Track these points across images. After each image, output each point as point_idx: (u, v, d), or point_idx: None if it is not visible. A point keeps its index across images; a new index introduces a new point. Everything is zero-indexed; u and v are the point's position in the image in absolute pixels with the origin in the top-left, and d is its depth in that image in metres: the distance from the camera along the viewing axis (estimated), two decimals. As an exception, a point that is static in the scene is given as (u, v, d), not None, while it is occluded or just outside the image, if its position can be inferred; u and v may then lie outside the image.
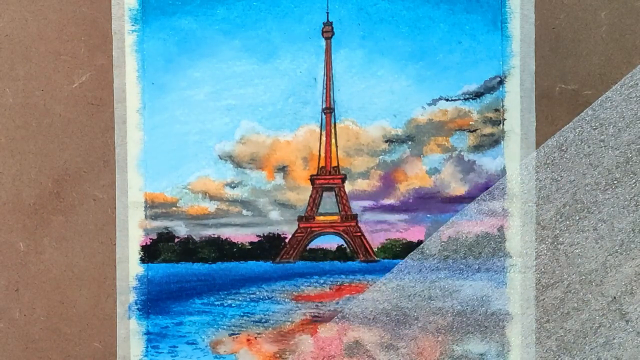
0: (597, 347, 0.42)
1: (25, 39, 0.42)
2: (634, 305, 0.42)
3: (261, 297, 0.43)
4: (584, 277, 0.42)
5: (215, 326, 0.43)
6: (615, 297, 0.42)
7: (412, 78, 0.43)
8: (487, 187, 0.43)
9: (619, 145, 0.41)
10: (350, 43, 0.43)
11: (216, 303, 0.43)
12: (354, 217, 0.43)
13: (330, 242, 0.43)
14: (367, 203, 0.43)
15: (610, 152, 0.41)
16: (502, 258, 0.43)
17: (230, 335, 0.43)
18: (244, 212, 0.43)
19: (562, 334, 0.42)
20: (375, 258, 0.43)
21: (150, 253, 0.43)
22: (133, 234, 0.42)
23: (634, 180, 0.41)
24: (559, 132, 0.42)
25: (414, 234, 0.43)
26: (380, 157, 0.43)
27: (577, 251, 0.42)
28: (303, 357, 0.43)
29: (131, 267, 0.42)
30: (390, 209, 0.43)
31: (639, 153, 0.40)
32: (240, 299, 0.43)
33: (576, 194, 0.43)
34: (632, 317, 0.42)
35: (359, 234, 0.43)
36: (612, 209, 0.42)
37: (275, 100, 0.43)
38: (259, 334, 0.43)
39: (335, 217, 0.43)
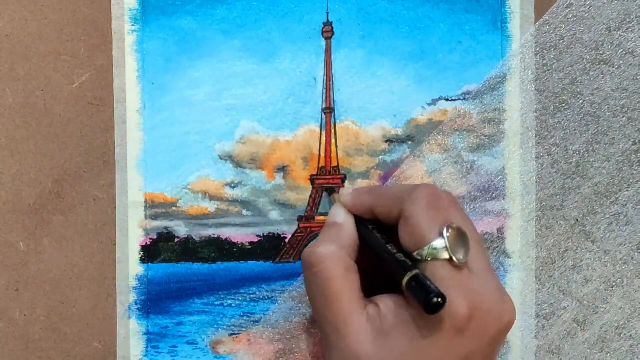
0: (566, 271, 0.43)
1: (25, 39, 0.42)
2: (597, 225, 0.43)
3: (261, 297, 0.43)
4: (544, 204, 0.43)
5: (215, 326, 0.43)
6: (577, 219, 0.43)
7: (412, 78, 0.43)
8: (487, 187, 0.43)
9: (563, 67, 0.41)
10: (350, 43, 0.43)
11: (216, 303, 0.43)
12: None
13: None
14: (367, 203, 0.43)
15: (554, 75, 0.42)
16: (502, 258, 0.43)
17: (230, 335, 0.43)
18: (244, 212, 0.43)
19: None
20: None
21: (150, 253, 0.43)
22: (133, 234, 0.42)
23: (581, 101, 0.42)
24: (501, 62, 0.42)
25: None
26: (380, 157, 0.43)
27: (534, 178, 0.43)
28: (303, 357, 0.43)
29: (131, 267, 0.42)
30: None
31: (584, 73, 0.40)
32: (240, 299, 0.43)
33: (526, 121, 0.43)
34: (597, 236, 0.43)
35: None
36: (563, 132, 0.43)
37: (275, 100, 0.43)
38: (259, 334, 0.43)
39: (335, 217, 0.43)
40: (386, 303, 0.34)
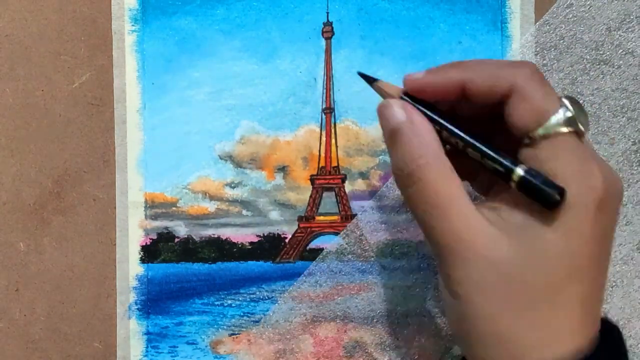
0: None
1: (25, 39, 0.42)
2: None
3: (261, 297, 0.43)
4: None
5: (215, 326, 0.43)
6: None
7: None
8: (487, 187, 0.43)
9: (563, 67, 0.41)
10: (350, 43, 0.43)
11: (216, 303, 0.43)
12: (354, 217, 0.43)
13: (330, 242, 0.43)
14: (367, 203, 0.43)
15: (554, 75, 0.42)
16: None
17: (230, 335, 0.43)
18: (244, 212, 0.43)
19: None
20: (375, 258, 0.43)
21: (150, 253, 0.43)
22: (133, 234, 0.42)
23: (581, 101, 0.42)
24: None
25: (414, 234, 0.43)
26: (380, 157, 0.43)
27: None
28: (303, 357, 0.43)
29: (131, 267, 0.42)
30: (390, 209, 0.43)
31: (583, 73, 0.40)
32: (240, 299, 0.43)
33: None
34: None
35: (359, 234, 0.43)
36: None
37: (275, 100, 0.43)
38: (258, 334, 0.43)
39: (335, 217, 0.43)
40: (497, 200, 0.31)
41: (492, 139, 0.33)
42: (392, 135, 0.32)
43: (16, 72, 0.42)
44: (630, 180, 0.43)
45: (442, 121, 0.32)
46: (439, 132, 0.32)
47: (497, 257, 0.29)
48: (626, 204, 0.43)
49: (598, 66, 0.42)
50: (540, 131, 0.30)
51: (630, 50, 0.43)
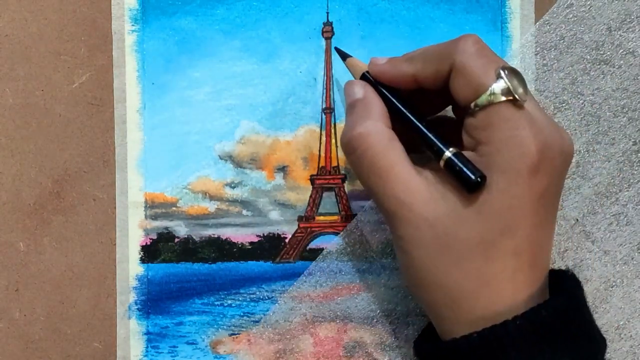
0: None
1: (25, 39, 0.42)
2: (597, 225, 0.43)
3: (261, 297, 0.43)
4: None
5: (215, 326, 0.43)
6: (577, 219, 0.43)
7: None
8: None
9: (563, 67, 0.41)
10: (350, 43, 0.43)
11: (216, 303, 0.43)
12: (354, 217, 0.43)
13: (330, 242, 0.43)
14: (367, 203, 0.43)
15: (554, 75, 0.42)
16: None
17: (230, 335, 0.43)
18: (244, 212, 0.43)
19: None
20: (375, 258, 0.43)
21: (150, 253, 0.43)
22: (133, 234, 0.42)
23: (581, 101, 0.42)
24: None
25: (414, 234, 0.42)
26: (380, 157, 0.43)
27: None
28: (303, 357, 0.43)
29: (131, 267, 0.42)
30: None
31: (584, 73, 0.41)
32: (240, 299, 0.43)
33: None
34: (597, 236, 0.43)
35: (359, 234, 0.43)
36: None
37: (275, 100, 0.43)
38: (258, 334, 0.43)
39: (335, 217, 0.43)
40: (438, 166, 0.34)
41: (454, 110, 0.37)
42: (348, 109, 0.37)
43: (16, 72, 0.42)
44: (631, 180, 0.43)
45: (392, 99, 0.36)
46: (395, 112, 0.36)
47: (433, 217, 0.33)
48: (627, 204, 0.43)
49: (598, 66, 0.42)
50: (477, 102, 0.32)
51: (630, 50, 0.43)
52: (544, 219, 0.33)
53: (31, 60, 0.42)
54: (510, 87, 0.32)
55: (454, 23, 0.43)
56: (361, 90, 0.36)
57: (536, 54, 0.42)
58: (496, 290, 0.32)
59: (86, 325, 0.42)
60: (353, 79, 0.39)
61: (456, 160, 0.32)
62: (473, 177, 0.32)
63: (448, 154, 0.33)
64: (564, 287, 0.34)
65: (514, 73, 0.32)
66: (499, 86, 0.32)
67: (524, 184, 0.31)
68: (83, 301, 0.42)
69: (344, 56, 0.40)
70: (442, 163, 0.33)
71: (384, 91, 0.36)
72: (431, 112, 0.39)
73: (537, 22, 0.43)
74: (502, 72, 0.32)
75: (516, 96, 0.32)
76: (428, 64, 0.35)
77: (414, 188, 0.33)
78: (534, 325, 0.31)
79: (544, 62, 0.43)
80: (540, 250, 0.33)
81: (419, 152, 0.36)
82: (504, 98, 0.32)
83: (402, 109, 0.36)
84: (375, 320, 0.43)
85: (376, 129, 0.34)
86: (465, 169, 0.32)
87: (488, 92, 0.32)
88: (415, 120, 0.35)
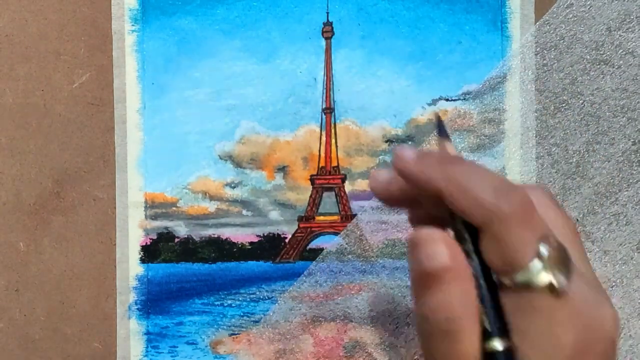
0: None
1: (25, 39, 0.42)
2: (597, 225, 0.43)
3: (261, 297, 0.43)
4: None
5: (215, 326, 0.43)
6: (577, 219, 0.43)
7: (412, 78, 0.43)
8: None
9: (563, 67, 0.41)
10: (350, 43, 0.43)
11: (216, 303, 0.43)
12: (354, 217, 0.43)
13: (330, 242, 0.43)
14: (367, 203, 0.43)
15: (554, 75, 0.42)
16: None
17: (230, 335, 0.43)
18: (244, 212, 0.43)
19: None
20: (375, 258, 0.43)
21: (150, 253, 0.43)
22: (133, 234, 0.42)
23: (581, 101, 0.42)
24: (501, 62, 0.42)
25: (414, 234, 0.42)
26: (380, 157, 0.43)
27: (534, 178, 0.43)
28: (303, 357, 0.43)
29: (131, 267, 0.42)
30: (390, 209, 0.43)
31: (584, 73, 0.41)
32: (240, 299, 0.43)
33: (526, 121, 0.43)
34: (597, 236, 0.43)
35: (359, 234, 0.43)
36: (563, 132, 0.43)
37: (275, 100, 0.43)
38: (258, 334, 0.43)
39: (335, 217, 0.43)
40: None
41: None
42: (426, 279, 0.27)
43: (16, 72, 0.42)
44: (630, 180, 0.43)
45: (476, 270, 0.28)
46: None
47: None
48: (626, 204, 0.43)
49: (598, 66, 0.42)
50: (507, 281, 0.26)
51: (630, 50, 0.43)
52: None
53: (31, 60, 0.42)
54: (551, 272, 0.26)
55: (454, 23, 0.43)
56: (447, 253, 0.27)
57: (536, 54, 0.42)
58: None
59: (86, 325, 0.42)
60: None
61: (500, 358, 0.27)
62: None
63: (497, 346, 0.27)
64: None
65: (560, 251, 0.27)
66: (536, 270, 0.26)
67: None
68: (83, 301, 0.42)
69: (444, 134, 0.31)
70: (486, 346, 0.27)
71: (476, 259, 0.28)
72: None
73: (537, 22, 0.43)
74: (543, 249, 0.26)
75: (556, 284, 0.26)
76: (461, 194, 0.27)
77: None
78: None
79: (544, 62, 0.43)
80: None
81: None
82: (542, 281, 0.26)
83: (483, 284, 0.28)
84: (375, 320, 0.43)
85: (471, 321, 0.27)
86: None
87: (523, 273, 0.26)
88: (486, 295, 0.27)
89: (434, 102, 0.43)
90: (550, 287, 0.26)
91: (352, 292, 0.43)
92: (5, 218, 0.42)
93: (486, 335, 0.27)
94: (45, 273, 0.42)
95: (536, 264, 0.26)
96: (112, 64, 0.42)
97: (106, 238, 0.42)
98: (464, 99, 0.43)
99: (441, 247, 0.27)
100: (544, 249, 0.26)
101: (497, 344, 0.27)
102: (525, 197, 0.27)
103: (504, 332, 0.27)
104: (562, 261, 0.27)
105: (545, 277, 0.26)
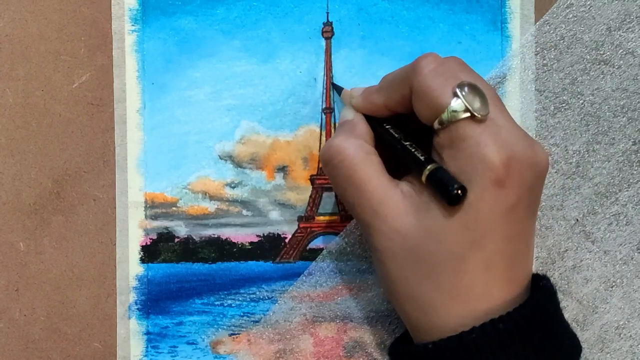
0: (566, 271, 0.43)
1: (25, 39, 0.42)
2: (597, 225, 0.43)
3: (261, 297, 0.43)
4: (544, 203, 0.43)
5: (215, 326, 0.43)
6: (577, 219, 0.43)
7: None
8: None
9: (563, 67, 0.41)
10: (350, 43, 0.43)
11: (216, 303, 0.43)
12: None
13: (330, 242, 0.43)
14: (367, 203, 0.43)
15: (554, 75, 0.42)
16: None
17: (230, 335, 0.43)
18: (244, 212, 0.43)
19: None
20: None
21: (150, 253, 0.43)
22: (133, 234, 0.43)
23: (581, 101, 0.42)
24: (501, 62, 0.43)
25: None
26: (380, 157, 0.43)
27: None
28: (303, 357, 0.43)
29: (131, 267, 0.43)
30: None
31: (584, 73, 0.41)
32: (240, 299, 0.43)
33: (525, 121, 0.43)
34: (597, 236, 0.43)
35: (359, 234, 0.43)
36: (563, 132, 0.43)
37: (275, 100, 0.43)
38: (258, 334, 0.43)
39: (335, 217, 0.43)
40: (417, 181, 0.34)
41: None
42: (337, 129, 0.39)
43: (16, 72, 0.42)
44: (631, 180, 0.43)
45: (379, 122, 0.37)
46: (380, 135, 0.37)
47: (405, 229, 0.33)
48: (626, 204, 0.43)
49: (598, 66, 0.42)
50: (437, 124, 0.33)
51: (630, 50, 0.43)
52: (517, 232, 0.33)
53: (31, 60, 0.42)
54: (467, 105, 0.32)
55: (453, 23, 0.43)
56: (352, 114, 0.38)
57: (536, 54, 0.43)
58: (468, 303, 0.32)
59: (86, 325, 0.42)
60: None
61: (436, 176, 0.33)
62: (453, 188, 0.31)
63: (429, 167, 0.33)
64: (534, 295, 0.34)
65: (472, 88, 0.32)
66: (456, 104, 0.32)
67: (490, 198, 0.31)
68: (83, 301, 0.42)
69: (338, 90, 0.41)
70: (423, 178, 0.33)
71: (370, 116, 0.38)
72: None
73: (537, 22, 0.43)
74: (457, 90, 0.32)
75: (474, 112, 0.32)
76: (393, 91, 0.36)
77: (389, 200, 0.34)
78: (500, 332, 0.31)
79: (544, 62, 0.43)
80: (517, 264, 0.33)
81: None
82: (463, 115, 0.32)
83: (388, 129, 0.37)
84: (375, 321, 0.43)
85: (356, 142, 0.35)
86: (445, 183, 0.32)
87: (447, 112, 0.32)
88: (398, 138, 0.36)
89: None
90: (472, 116, 0.32)
91: (352, 292, 0.43)
92: (5, 218, 0.42)
93: (418, 170, 0.34)
94: (45, 273, 0.42)
95: (456, 101, 0.32)
96: (112, 64, 0.42)
97: (106, 238, 0.42)
98: None
99: (349, 110, 0.39)
100: (459, 90, 0.32)
101: (428, 168, 0.33)
102: (432, 57, 0.34)
103: (430, 161, 0.34)
104: (476, 94, 0.32)
105: (464, 108, 0.32)
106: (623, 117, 0.43)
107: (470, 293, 0.32)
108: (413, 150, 0.35)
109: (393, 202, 0.34)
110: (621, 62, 0.43)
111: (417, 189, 0.34)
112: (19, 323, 0.42)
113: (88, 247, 0.42)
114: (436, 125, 0.33)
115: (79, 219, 0.42)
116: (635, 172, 0.43)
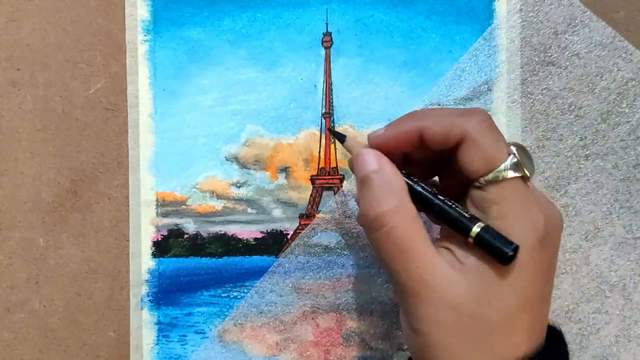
0: None
1: (44, 48, 0.42)
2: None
3: (264, 289, 0.43)
4: None
5: (222, 316, 0.43)
6: None
7: (406, 85, 0.43)
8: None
9: (514, 69, 0.41)
10: (348, 52, 0.43)
11: (223, 295, 0.43)
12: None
13: (330, 239, 0.43)
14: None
15: (506, 76, 0.42)
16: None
17: (236, 325, 0.43)
18: (249, 210, 0.43)
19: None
20: (373, 253, 0.43)
21: (161, 248, 0.43)
22: (145, 230, 0.43)
23: (531, 100, 0.42)
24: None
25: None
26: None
27: None
28: (303, 345, 0.43)
29: (143, 262, 0.43)
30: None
31: (533, 74, 0.40)
32: (246, 291, 0.43)
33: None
34: None
35: (356, 230, 0.43)
36: (515, 130, 0.43)
37: (278, 105, 0.43)
38: (262, 324, 0.43)
39: (335, 215, 0.43)
40: (454, 243, 0.32)
41: (442, 175, 0.35)
42: (362, 182, 0.33)
43: (36, 79, 0.42)
44: (578, 174, 0.43)
45: (409, 181, 0.33)
46: (413, 191, 0.33)
47: (456, 298, 0.31)
48: (575, 196, 0.43)
49: (546, 67, 0.42)
50: (490, 177, 0.31)
51: (576, 52, 0.43)
52: (548, 292, 0.33)
53: (50, 68, 0.42)
54: (522, 164, 0.31)
55: (445, 33, 0.43)
56: (375, 161, 0.33)
57: (488, 57, 0.43)
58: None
59: (101, 315, 0.43)
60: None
61: (487, 236, 0.30)
62: (508, 248, 0.30)
63: (477, 229, 0.31)
64: (557, 340, 0.34)
65: (523, 150, 0.31)
66: (510, 162, 0.31)
67: (537, 257, 0.31)
68: (99, 293, 0.42)
69: (340, 138, 0.36)
70: (471, 239, 0.31)
71: (401, 172, 0.33)
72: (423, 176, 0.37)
73: (489, 27, 0.43)
74: (513, 149, 0.31)
75: (527, 173, 0.31)
76: (440, 124, 0.32)
77: (437, 269, 0.31)
78: None
79: (496, 64, 0.43)
80: (546, 318, 0.33)
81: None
82: (514, 174, 0.31)
83: (422, 190, 0.33)
84: (372, 312, 0.43)
85: (403, 207, 0.32)
86: (497, 243, 0.30)
87: (501, 167, 0.31)
88: (436, 198, 0.33)
89: (426, 107, 0.43)
90: (524, 177, 0.31)
91: (351, 285, 0.43)
92: (25, 216, 0.42)
93: (464, 231, 0.31)
94: (63, 267, 0.42)
95: (511, 159, 0.31)
96: (126, 71, 0.42)
97: (120, 234, 0.43)
98: (455, 104, 0.43)
99: (371, 157, 0.33)
100: (513, 148, 0.31)
101: (476, 228, 0.30)
102: (484, 113, 0.32)
103: (475, 220, 0.31)
104: (528, 157, 0.31)
105: (518, 169, 0.31)
106: (570, 114, 0.43)
107: (515, 353, 0.31)
108: (455, 208, 0.32)
109: (441, 270, 0.31)
110: (567, 63, 0.43)
111: (460, 254, 0.32)
112: (39, 314, 0.42)
113: (103, 243, 0.42)
114: (485, 179, 0.31)
115: (94, 216, 0.42)
116: (582, 166, 0.43)
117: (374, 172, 0.33)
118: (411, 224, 0.32)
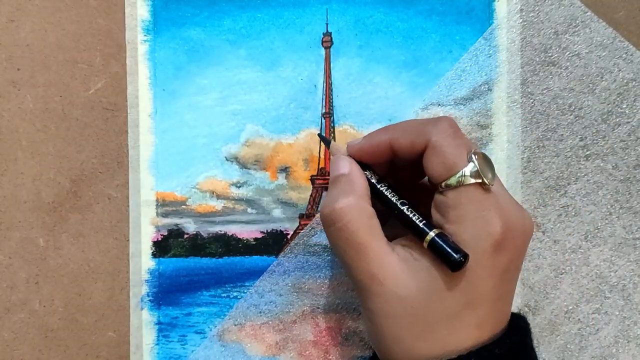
0: None
1: (44, 48, 0.42)
2: (547, 216, 0.43)
3: (264, 289, 0.43)
4: None
5: (222, 316, 0.43)
6: (529, 211, 0.43)
7: (405, 85, 0.43)
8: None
9: (514, 69, 0.41)
10: (348, 52, 0.43)
11: (223, 295, 0.43)
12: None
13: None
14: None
15: (506, 76, 0.42)
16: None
17: (236, 325, 0.43)
18: (249, 210, 0.43)
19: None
20: None
21: (161, 248, 0.43)
22: (145, 230, 0.43)
23: (531, 100, 0.42)
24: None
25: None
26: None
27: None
28: (303, 345, 0.43)
29: (143, 262, 0.43)
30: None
31: (533, 74, 0.40)
32: (245, 291, 0.43)
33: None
34: (547, 227, 0.43)
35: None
36: (515, 129, 0.43)
37: (278, 105, 0.43)
38: (262, 323, 0.43)
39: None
40: (413, 242, 0.34)
41: (428, 180, 0.36)
42: (332, 182, 0.36)
43: (36, 79, 0.42)
44: (578, 174, 0.43)
45: (375, 183, 0.36)
46: (377, 194, 0.36)
47: (404, 293, 0.33)
48: (574, 197, 0.43)
49: (547, 67, 0.43)
50: (448, 182, 0.33)
51: (576, 53, 0.43)
52: (505, 292, 0.34)
53: (50, 68, 0.42)
54: (480, 172, 0.32)
55: (445, 33, 0.43)
56: (347, 166, 0.36)
57: (489, 56, 0.43)
58: (459, 355, 0.33)
59: (101, 315, 0.43)
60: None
61: (439, 241, 0.32)
62: (456, 256, 0.31)
63: (432, 234, 0.33)
64: (514, 330, 0.35)
65: (484, 158, 0.33)
66: (469, 169, 0.32)
67: (488, 261, 0.32)
68: (99, 293, 0.42)
69: (326, 142, 0.40)
70: (425, 244, 0.33)
71: (368, 175, 0.36)
72: (406, 183, 0.39)
73: (489, 27, 0.43)
74: (473, 157, 0.33)
75: (485, 180, 0.32)
76: (405, 134, 0.35)
77: (388, 264, 0.33)
78: (495, 356, 0.33)
79: (497, 63, 0.43)
80: (501, 320, 0.34)
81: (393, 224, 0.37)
82: (473, 180, 0.32)
83: (385, 192, 0.36)
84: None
85: (358, 205, 0.34)
86: (448, 249, 0.32)
87: (459, 174, 0.32)
88: (398, 203, 0.35)
89: (426, 107, 0.43)
90: (482, 183, 0.32)
91: (350, 285, 0.43)
92: (26, 215, 0.42)
93: (420, 236, 0.33)
94: (64, 267, 0.42)
95: (470, 166, 0.32)
96: (126, 71, 0.42)
97: (120, 234, 0.43)
98: (455, 104, 0.43)
99: (344, 161, 0.36)
100: (474, 156, 0.33)
101: (431, 234, 0.33)
102: (451, 121, 0.34)
103: (431, 227, 0.33)
104: (488, 164, 0.33)
105: (477, 175, 0.32)
106: (570, 115, 0.43)
107: (461, 348, 0.33)
108: (412, 215, 0.34)
109: (391, 266, 0.33)
110: (568, 63, 0.43)
111: (415, 252, 0.34)
112: (39, 313, 0.42)
113: (103, 243, 0.42)
114: (445, 184, 0.33)
115: (94, 216, 0.42)
116: (582, 166, 0.43)
117: (343, 175, 0.36)
118: (364, 222, 0.34)
